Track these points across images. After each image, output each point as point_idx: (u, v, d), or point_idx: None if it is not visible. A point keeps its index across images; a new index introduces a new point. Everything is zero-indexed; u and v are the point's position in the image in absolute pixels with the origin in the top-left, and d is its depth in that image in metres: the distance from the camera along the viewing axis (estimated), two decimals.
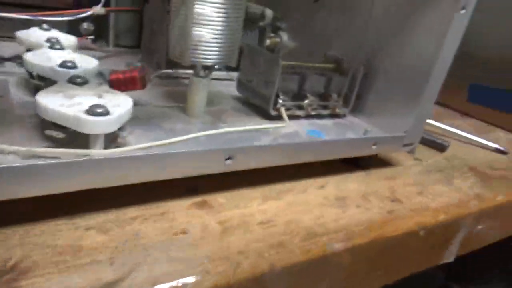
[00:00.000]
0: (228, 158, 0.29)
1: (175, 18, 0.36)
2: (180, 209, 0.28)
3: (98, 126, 0.25)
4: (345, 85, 0.43)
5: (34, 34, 0.38)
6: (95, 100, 0.27)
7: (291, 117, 0.41)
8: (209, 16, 0.34)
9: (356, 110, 0.44)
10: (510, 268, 0.65)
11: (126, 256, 0.23)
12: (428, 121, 0.56)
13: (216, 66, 0.37)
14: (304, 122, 0.41)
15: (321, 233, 0.29)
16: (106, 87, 0.33)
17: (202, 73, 0.36)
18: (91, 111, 0.25)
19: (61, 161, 0.23)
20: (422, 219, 0.34)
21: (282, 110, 0.39)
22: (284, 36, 0.56)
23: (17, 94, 0.33)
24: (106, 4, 0.50)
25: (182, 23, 0.35)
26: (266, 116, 0.39)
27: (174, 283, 0.22)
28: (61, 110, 0.25)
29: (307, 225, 0.29)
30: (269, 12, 0.50)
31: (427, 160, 0.46)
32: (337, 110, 0.44)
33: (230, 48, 0.37)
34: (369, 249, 0.31)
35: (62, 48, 0.37)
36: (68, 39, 0.41)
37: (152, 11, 0.47)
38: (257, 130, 0.34)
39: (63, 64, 0.32)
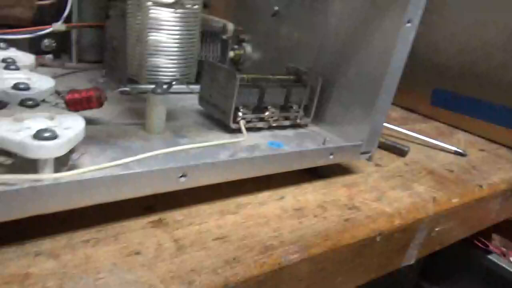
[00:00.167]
0: (182, 176, 0.29)
1: (131, 37, 0.37)
2: (135, 229, 0.28)
3: (46, 150, 0.25)
4: (304, 96, 0.44)
5: None
6: (44, 124, 0.27)
7: (253, 129, 0.42)
8: (164, 40, 0.35)
9: (318, 119, 0.45)
10: (479, 266, 0.67)
11: (76, 282, 0.23)
12: (390, 126, 0.58)
13: (173, 83, 0.37)
14: (266, 133, 0.42)
15: (277, 245, 0.29)
16: (60, 108, 0.33)
17: (159, 90, 0.36)
18: (38, 135, 0.25)
19: (8, 188, 0.23)
20: (379, 225, 0.35)
21: (241, 123, 0.39)
22: (248, 48, 0.57)
23: None
24: (67, 20, 0.50)
25: (137, 46, 0.35)
26: (228, 129, 0.40)
27: None
28: (7, 135, 0.25)
29: (263, 238, 0.30)
30: (230, 26, 0.51)
31: (387, 165, 0.48)
32: (299, 121, 0.45)
33: (187, 65, 0.38)
34: (326, 258, 0.31)
35: (17, 69, 0.37)
36: (26, 58, 0.40)
37: (113, 28, 0.47)
38: (215, 146, 0.35)
39: (16, 86, 0.32)
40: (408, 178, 0.45)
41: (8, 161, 0.26)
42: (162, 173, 0.28)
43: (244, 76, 0.42)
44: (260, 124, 0.42)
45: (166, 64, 0.36)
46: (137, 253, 0.26)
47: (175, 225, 0.29)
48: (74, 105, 0.35)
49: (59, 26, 0.48)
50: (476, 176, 0.50)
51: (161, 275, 0.24)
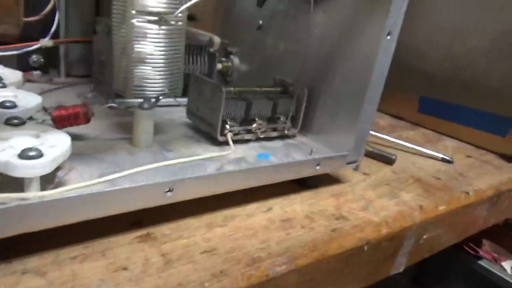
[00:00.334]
0: (168, 191, 0.29)
1: (117, 53, 0.37)
2: (122, 244, 0.28)
3: (31, 169, 0.25)
4: (291, 107, 0.45)
5: None
6: (30, 142, 0.27)
7: (241, 141, 0.42)
8: (149, 54, 0.35)
9: (305, 129, 0.46)
10: (470, 271, 0.67)
11: None
12: (378, 134, 0.59)
13: (160, 98, 0.38)
14: (255, 145, 0.42)
15: (264, 257, 0.30)
16: (47, 125, 0.33)
17: (146, 105, 0.37)
18: (23, 154, 0.25)
19: None
20: (366, 234, 0.36)
21: (229, 136, 0.40)
22: (236, 60, 0.58)
23: None
24: (55, 36, 0.50)
25: (123, 62, 0.36)
26: (216, 142, 0.40)
27: None
28: None
29: (250, 251, 0.30)
30: (216, 39, 0.52)
31: (375, 174, 0.48)
32: (286, 132, 0.45)
33: (173, 80, 0.38)
34: (314, 269, 0.32)
35: (4, 86, 0.37)
36: (13, 75, 0.40)
37: (100, 43, 0.47)
38: (201, 159, 0.35)
39: (1, 104, 0.32)
40: (395, 186, 0.46)
41: None
42: (148, 188, 0.28)
43: (231, 89, 0.43)
44: (248, 136, 0.43)
45: (152, 78, 0.36)
46: (125, 268, 0.26)
47: (163, 239, 0.30)
48: (61, 121, 0.35)
49: (46, 42, 0.49)
50: (462, 183, 0.51)
51: None
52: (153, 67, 0.36)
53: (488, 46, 0.64)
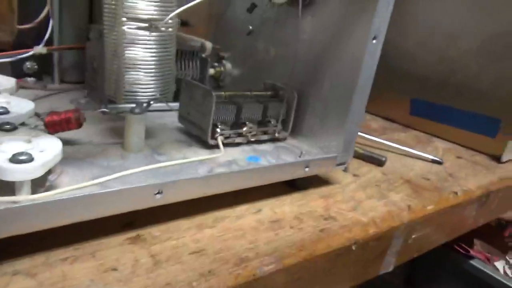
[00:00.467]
0: (158, 193, 0.30)
1: (108, 58, 0.38)
2: (113, 246, 0.29)
3: (21, 173, 0.26)
4: (281, 110, 0.45)
5: None
6: (21, 147, 0.28)
7: (232, 144, 0.43)
8: (140, 59, 0.36)
9: (296, 132, 0.47)
10: (461, 271, 0.68)
11: None
12: (369, 136, 0.60)
13: (151, 102, 0.38)
14: (246, 148, 0.43)
15: (252, 257, 0.30)
16: (39, 130, 0.34)
17: (137, 110, 0.37)
18: (14, 159, 0.26)
19: None
20: (354, 234, 0.36)
21: (219, 139, 0.40)
22: (228, 65, 0.59)
23: None
24: (49, 43, 0.51)
25: (114, 67, 0.36)
26: (207, 146, 0.41)
27: None
28: None
29: (238, 251, 0.31)
30: (208, 44, 0.53)
31: (365, 175, 0.49)
32: (277, 135, 0.46)
33: (164, 85, 0.39)
34: (302, 268, 0.32)
35: None
36: (6, 82, 0.41)
37: (93, 49, 0.48)
38: (191, 162, 0.36)
39: None
40: (384, 187, 0.47)
41: None
42: (138, 190, 0.29)
43: (222, 93, 0.44)
44: (238, 140, 0.43)
45: (143, 83, 0.37)
46: (114, 269, 0.27)
47: (153, 241, 0.30)
48: (53, 127, 0.36)
49: (40, 49, 0.49)
50: (452, 183, 0.52)
51: None
52: (144, 72, 0.37)
53: (479, 49, 0.65)
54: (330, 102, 0.43)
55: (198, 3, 0.36)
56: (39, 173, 0.26)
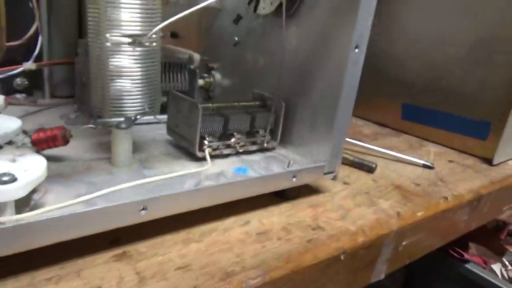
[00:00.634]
0: (143, 209, 0.30)
1: (93, 74, 0.38)
2: (98, 264, 0.29)
3: (5, 194, 0.26)
4: (270, 120, 0.46)
5: None
6: (5, 167, 0.28)
7: (221, 156, 0.43)
8: (124, 69, 0.36)
9: (285, 141, 0.47)
10: (457, 275, 0.68)
11: None
12: (360, 143, 0.60)
13: (138, 117, 0.39)
14: (234, 159, 0.43)
15: (239, 271, 0.30)
16: (27, 147, 0.34)
17: (123, 124, 0.37)
18: None
19: None
20: (342, 243, 0.36)
21: (206, 152, 0.40)
22: (217, 75, 0.59)
23: None
24: (38, 59, 0.51)
25: (100, 80, 0.37)
26: (195, 158, 0.41)
27: None
28: None
29: (225, 265, 0.31)
30: (196, 56, 0.53)
31: (355, 183, 0.49)
32: (266, 145, 0.46)
33: (149, 99, 0.39)
34: (289, 281, 0.32)
35: None
36: None
37: (82, 64, 0.49)
38: (178, 176, 0.36)
39: None
40: (374, 194, 0.47)
41: None
42: (122, 208, 0.29)
43: (210, 105, 0.44)
44: (227, 151, 0.43)
45: (129, 96, 0.37)
46: None
47: (139, 257, 0.30)
48: (40, 144, 0.36)
49: (29, 65, 0.50)
50: (442, 188, 0.52)
51: None
52: (128, 83, 0.37)
53: (463, 54, 0.65)
54: (317, 110, 0.43)
55: (180, 18, 0.36)
56: (22, 194, 0.27)
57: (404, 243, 0.43)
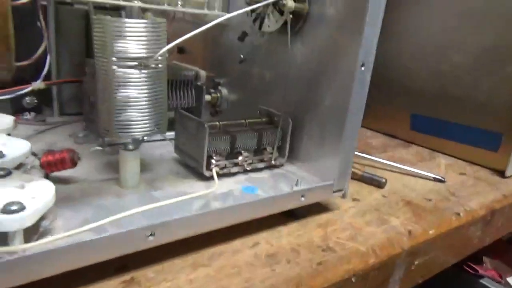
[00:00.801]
0: (150, 235, 0.30)
1: (100, 99, 0.38)
2: None
3: (13, 223, 0.26)
4: (277, 137, 0.45)
5: None
6: (13, 195, 0.28)
7: (228, 174, 0.43)
8: (131, 99, 0.36)
9: (293, 157, 0.47)
10: None
11: None
12: (370, 156, 0.59)
13: (145, 138, 0.38)
14: (241, 177, 0.43)
15: None
16: (35, 170, 0.34)
17: (130, 146, 0.37)
18: (5, 209, 0.26)
19: None
20: (353, 265, 0.36)
21: (214, 171, 0.40)
22: (224, 91, 0.59)
23: None
24: (47, 77, 0.52)
25: (106, 103, 0.37)
26: (203, 177, 0.41)
27: None
28: None
29: None
30: (202, 73, 0.53)
31: (364, 199, 0.49)
32: (274, 162, 0.46)
33: (157, 119, 0.39)
34: None
35: None
36: (4, 120, 0.42)
37: (89, 83, 0.49)
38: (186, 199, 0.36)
39: None
40: (384, 211, 0.46)
41: None
42: (130, 234, 0.29)
43: (216, 123, 0.44)
44: (235, 169, 0.43)
45: (135, 120, 0.37)
46: None
47: (147, 284, 0.30)
48: (49, 167, 0.36)
49: (38, 84, 0.50)
50: (454, 203, 0.51)
51: None
52: (136, 109, 0.37)
53: (471, 63, 0.64)
54: (324, 127, 0.43)
55: (186, 39, 0.36)
56: (30, 223, 0.27)
57: (416, 262, 0.42)
